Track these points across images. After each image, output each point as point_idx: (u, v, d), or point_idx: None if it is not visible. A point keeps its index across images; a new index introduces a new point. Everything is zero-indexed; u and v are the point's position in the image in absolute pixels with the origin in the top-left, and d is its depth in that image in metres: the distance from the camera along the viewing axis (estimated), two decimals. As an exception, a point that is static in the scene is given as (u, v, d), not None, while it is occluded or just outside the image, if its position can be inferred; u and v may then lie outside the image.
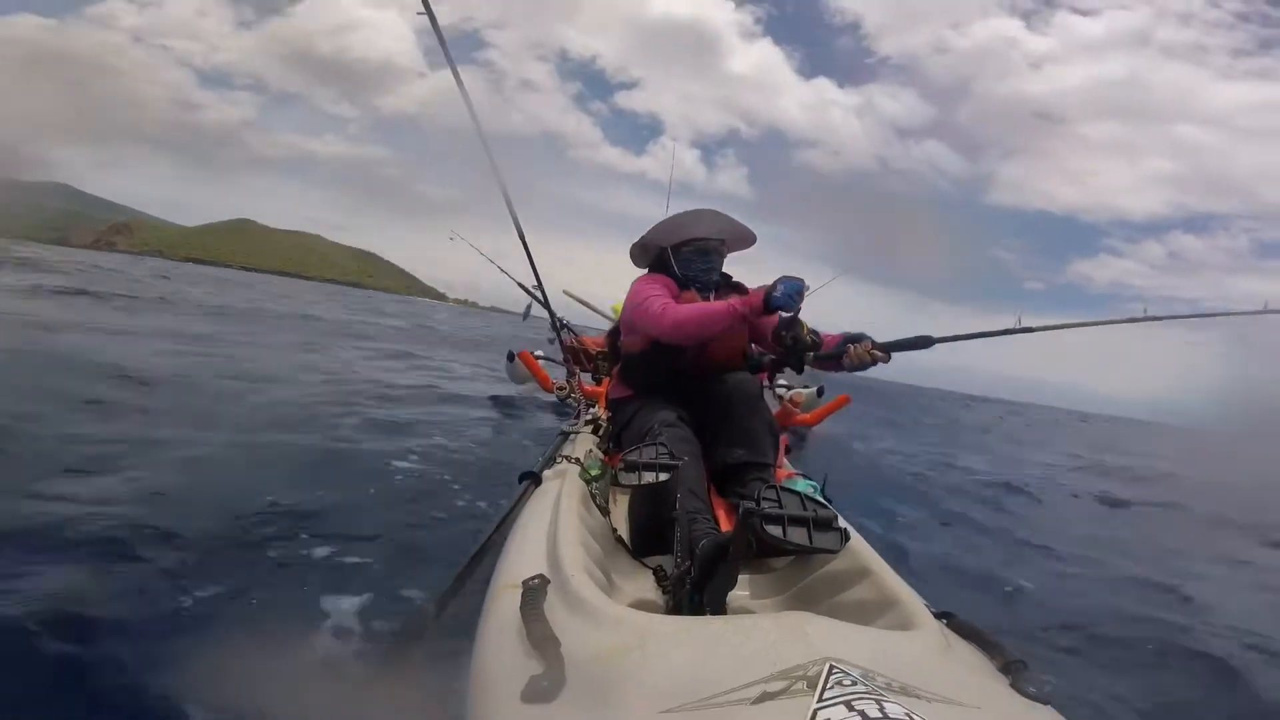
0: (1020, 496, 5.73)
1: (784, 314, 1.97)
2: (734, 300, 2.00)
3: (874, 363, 2.05)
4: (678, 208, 2.37)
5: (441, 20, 2.57)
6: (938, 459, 7.36)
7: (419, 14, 2.57)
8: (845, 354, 2.03)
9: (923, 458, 7.25)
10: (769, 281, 1.95)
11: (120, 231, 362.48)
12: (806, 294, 1.98)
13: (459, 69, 2.71)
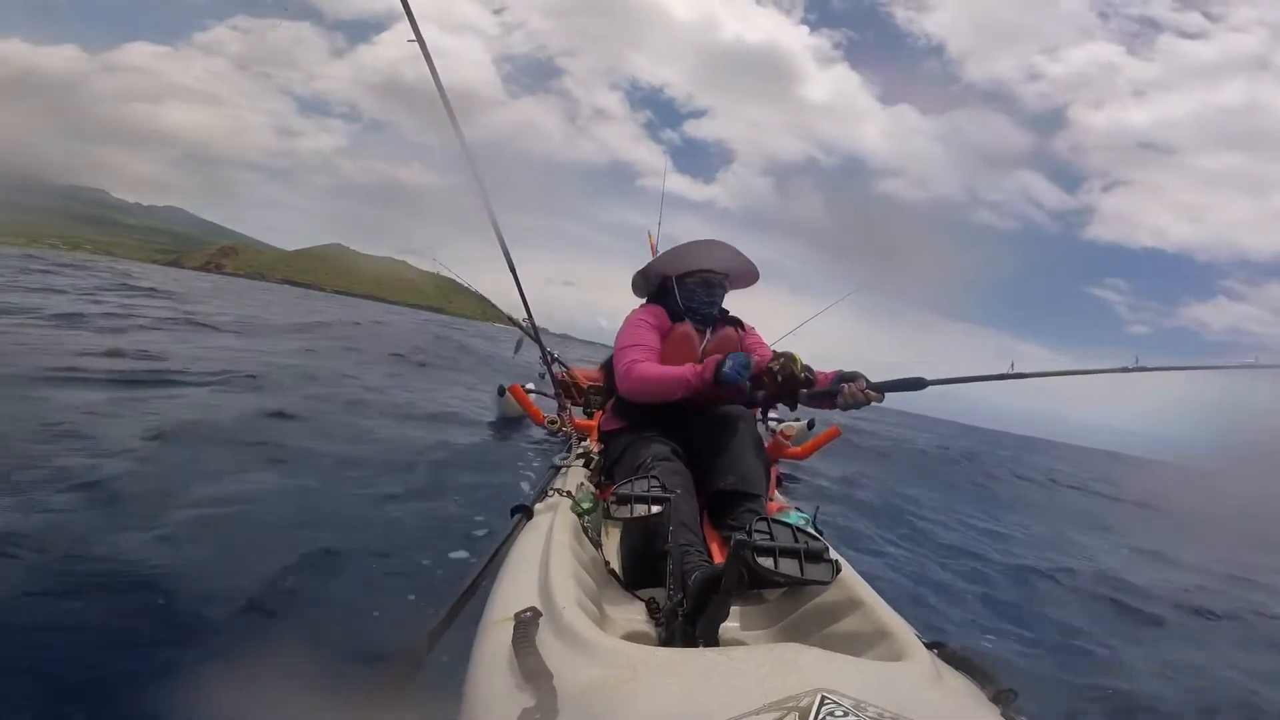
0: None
1: (734, 383, 2.04)
2: (688, 368, 2.10)
3: (867, 402, 2.09)
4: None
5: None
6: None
7: (410, 40, 2.64)
8: (840, 393, 2.07)
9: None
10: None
11: (227, 254, 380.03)
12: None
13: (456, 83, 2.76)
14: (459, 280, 5.75)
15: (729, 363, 2.03)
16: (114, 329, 7.69)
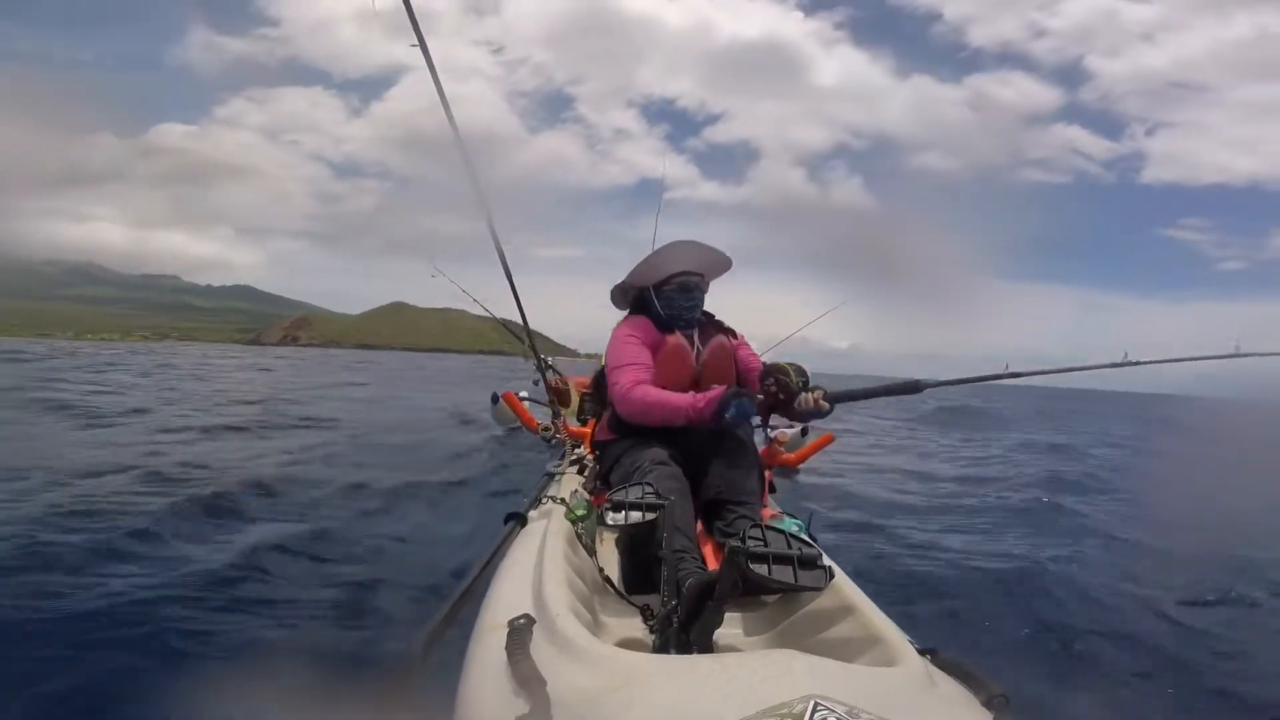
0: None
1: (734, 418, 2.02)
2: (694, 399, 2.05)
3: (819, 412, 2.11)
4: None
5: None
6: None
7: (411, 45, 2.63)
8: (797, 402, 2.09)
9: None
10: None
11: (301, 326, 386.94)
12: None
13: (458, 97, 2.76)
14: (464, 291, 5.85)
15: (732, 409, 1.97)
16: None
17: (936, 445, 9.99)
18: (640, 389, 2.12)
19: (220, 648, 1.78)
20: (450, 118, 2.63)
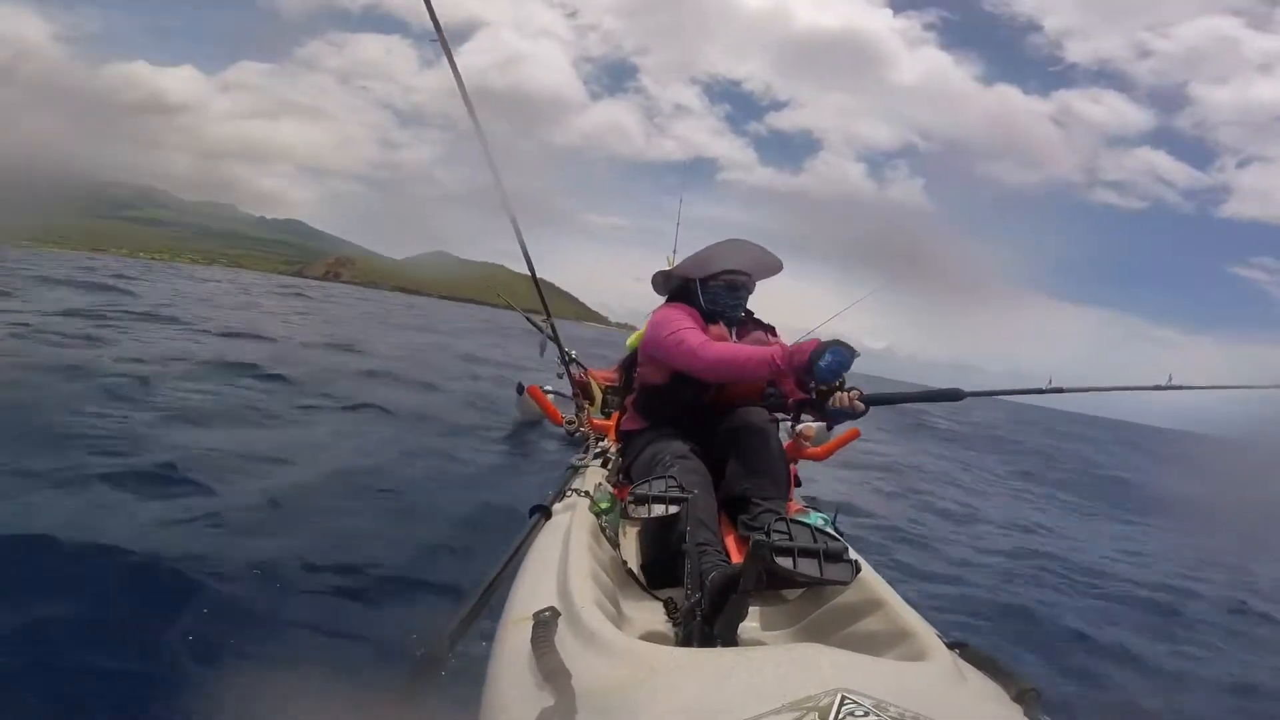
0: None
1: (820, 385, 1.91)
2: (777, 351, 1.92)
3: (855, 413, 2.04)
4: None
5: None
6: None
7: (432, 40, 2.64)
8: (830, 401, 2.02)
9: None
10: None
11: (343, 264, 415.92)
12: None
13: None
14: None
15: (828, 356, 1.79)
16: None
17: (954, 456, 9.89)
18: (712, 345, 2.06)
19: (236, 639, 1.79)
20: (470, 110, 2.65)
